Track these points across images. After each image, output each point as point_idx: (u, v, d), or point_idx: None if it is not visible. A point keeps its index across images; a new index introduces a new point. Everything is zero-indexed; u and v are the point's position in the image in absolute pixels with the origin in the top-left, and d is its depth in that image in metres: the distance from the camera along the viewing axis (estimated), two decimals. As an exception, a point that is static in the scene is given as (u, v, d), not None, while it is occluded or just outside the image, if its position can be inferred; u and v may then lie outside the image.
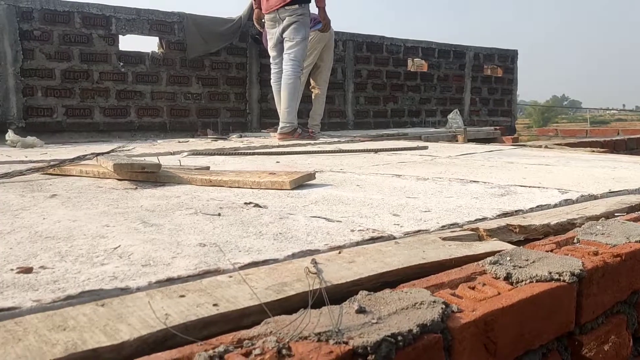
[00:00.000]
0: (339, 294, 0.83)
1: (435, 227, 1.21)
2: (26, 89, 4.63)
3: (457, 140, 5.37)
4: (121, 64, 5.07)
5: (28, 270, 0.88)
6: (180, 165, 2.37)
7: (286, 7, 4.37)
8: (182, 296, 0.78)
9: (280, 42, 4.53)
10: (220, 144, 4.20)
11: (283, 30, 4.45)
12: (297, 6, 4.37)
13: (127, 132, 5.15)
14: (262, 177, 1.95)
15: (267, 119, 6.00)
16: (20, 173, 2.06)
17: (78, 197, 1.64)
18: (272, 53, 4.68)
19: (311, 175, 2.03)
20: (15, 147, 3.76)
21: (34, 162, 2.76)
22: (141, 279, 0.84)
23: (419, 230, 1.18)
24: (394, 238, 1.12)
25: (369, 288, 0.86)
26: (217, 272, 0.89)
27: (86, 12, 4.86)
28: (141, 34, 5.21)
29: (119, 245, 1.04)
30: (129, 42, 5.16)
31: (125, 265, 0.91)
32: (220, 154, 3.23)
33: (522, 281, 0.89)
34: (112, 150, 2.58)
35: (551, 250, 1.05)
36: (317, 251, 1.01)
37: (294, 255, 0.98)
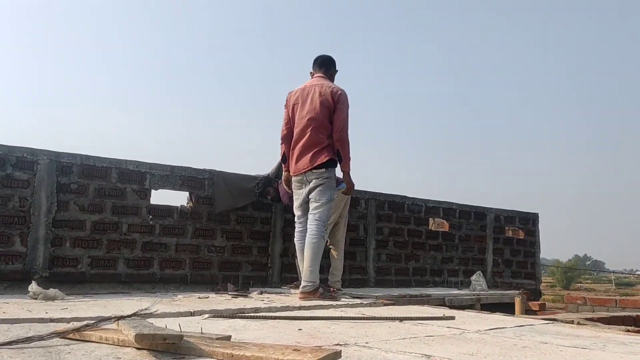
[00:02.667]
0: None
1: None
2: (55, 239, 4.72)
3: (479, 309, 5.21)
4: (150, 216, 5.20)
5: None
6: (202, 332, 2.31)
7: (313, 171, 4.55)
8: None
9: (306, 203, 4.66)
10: (241, 301, 4.14)
11: (309, 192, 4.59)
12: (323, 170, 4.55)
13: (148, 283, 5.14)
14: (286, 354, 1.88)
15: (288, 274, 5.97)
16: (41, 338, 2.03)
17: (97, 374, 1.58)
18: (297, 212, 4.79)
19: (337, 354, 1.95)
20: (36, 299, 3.75)
21: (54, 320, 2.73)
22: None
23: None
24: None
25: None
26: None
27: (123, 168, 5.12)
28: (172, 189, 5.42)
29: None
30: (159, 196, 5.35)
31: None
32: (241, 317, 3.16)
33: None
34: (135, 314, 2.54)
35: None
36: None
37: None
